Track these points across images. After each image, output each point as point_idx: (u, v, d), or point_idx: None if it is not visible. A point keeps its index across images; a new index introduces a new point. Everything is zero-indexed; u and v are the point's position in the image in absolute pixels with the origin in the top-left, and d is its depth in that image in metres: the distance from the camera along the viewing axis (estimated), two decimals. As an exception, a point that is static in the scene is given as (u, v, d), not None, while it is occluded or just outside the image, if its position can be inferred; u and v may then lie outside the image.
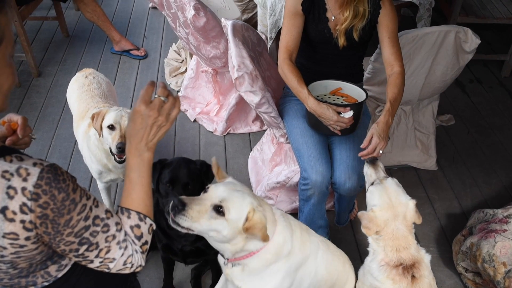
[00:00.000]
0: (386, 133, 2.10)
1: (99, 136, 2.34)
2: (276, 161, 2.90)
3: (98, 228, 1.12)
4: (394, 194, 1.87)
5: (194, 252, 2.17)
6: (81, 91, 2.71)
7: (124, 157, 2.30)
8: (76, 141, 3.28)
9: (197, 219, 1.51)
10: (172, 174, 1.96)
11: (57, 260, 1.20)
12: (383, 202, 1.85)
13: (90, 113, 2.50)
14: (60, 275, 1.22)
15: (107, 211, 1.16)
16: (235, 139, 3.49)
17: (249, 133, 3.55)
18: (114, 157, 2.33)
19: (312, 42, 2.41)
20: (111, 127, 2.28)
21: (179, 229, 1.55)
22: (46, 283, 1.20)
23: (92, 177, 3.03)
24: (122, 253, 1.17)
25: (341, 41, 2.33)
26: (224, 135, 3.51)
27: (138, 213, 1.23)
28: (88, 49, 4.54)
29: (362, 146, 2.10)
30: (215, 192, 1.58)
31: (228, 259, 1.74)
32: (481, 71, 4.31)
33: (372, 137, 2.07)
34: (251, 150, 3.28)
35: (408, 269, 1.80)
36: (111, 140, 2.27)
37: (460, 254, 2.47)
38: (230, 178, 1.72)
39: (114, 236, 1.16)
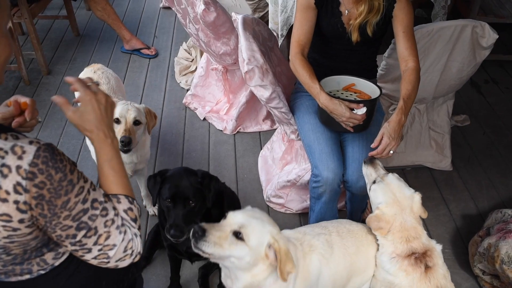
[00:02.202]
0: (398, 133, 2.03)
1: None
2: (287, 159, 2.84)
3: (97, 212, 1.07)
4: (397, 188, 1.88)
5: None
6: (90, 86, 2.68)
7: (130, 147, 2.26)
8: (84, 138, 3.26)
9: (219, 245, 1.52)
10: (172, 190, 1.91)
11: (53, 248, 1.14)
12: (387, 198, 1.85)
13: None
14: (57, 263, 1.17)
15: (104, 195, 1.12)
16: (245, 137, 3.44)
17: (260, 132, 3.49)
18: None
19: (324, 37, 2.35)
20: (117, 121, 2.24)
21: (200, 253, 1.56)
22: (42, 271, 1.15)
23: (99, 173, 2.99)
24: (123, 238, 1.12)
25: (355, 37, 2.27)
26: (234, 134, 3.46)
27: (126, 196, 1.19)
28: (98, 48, 4.53)
29: (372, 145, 2.05)
30: (234, 218, 1.60)
31: None
32: (497, 72, 4.22)
33: (382, 137, 2.01)
34: (261, 149, 3.23)
35: (421, 258, 1.77)
36: (116, 133, 2.23)
37: (477, 256, 2.39)
38: (249, 206, 1.73)
39: (113, 221, 1.11)
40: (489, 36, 2.48)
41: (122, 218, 1.15)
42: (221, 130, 3.48)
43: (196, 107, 3.65)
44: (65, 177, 1.01)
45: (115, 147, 1.18)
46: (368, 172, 1.99)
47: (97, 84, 1.21)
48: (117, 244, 1.11)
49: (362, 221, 2.78)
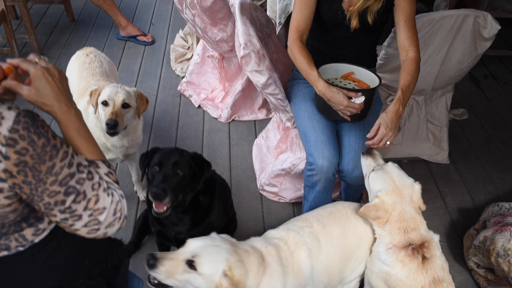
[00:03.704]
0: (396, 123, 1.99)
1: (95, 113, 2.26)
2: (282, 148, 2.81)
3: (84, 175, 1.05)
4: (398, 177, 1.85)
5: None
6: (82, 69, 2.64)
7: (117, 130, 2.21)
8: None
9: (170, 275, 1.54)
10: (161, 156, 1.87)
11: (33, 223, 1.10)
12: (387, 185, 1.82)
13: (89, 90, 2.42)
14: (37, 240, 1.13)
15: (87, 160, 1.09)
16: (240, 126, 3.41)
17: (255, 120, 3.45)
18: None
19: (324, 24, 2.31)
20: (105, 103, 2.20)
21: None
22: (21, 248, 1.11)
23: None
24: (111, 200, 1.10)
25: (354, 23, 2.23)
26: (229, 122, 3.42)
27: (103, 161, 1.17)
28: (93, 34, 4.47)
29: (368, 135, 2.01)
30: (190, 246, 1.61)
31: None
32: (496, 67, 4.21)
33: (379, 127, 1.97)
34: (256, 138, 3.20)
35: (418, 249, 1.74)
36: (104, 115, 2.18)
37: (472, 249, 2.36)
38: (214, 233, 1.73)
39: (99, 184, 1.08)
40: (491, 27, 2.44)
41: (106, 182, 1.12)
42: (216, 118, 3.44)
43: (191, 94, 3.61)
44: (48, 142, 0.98)
45: (79, 117, 1.15)
46: (367, 163, 1.96)
47: (45, 59, 1.16)
48: (107, 206, 1.08)
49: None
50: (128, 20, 4.34)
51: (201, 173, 1.92)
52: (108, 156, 2.45)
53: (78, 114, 1.14)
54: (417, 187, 1.83)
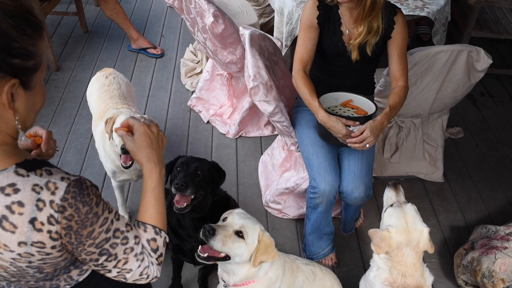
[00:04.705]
0: (379, 132, 2.20)
1: (109, 139, 2.41)
2: (286, 166, 2.97)
3: (118, 240, 1.20)
4: (412, 219, 1.90)
5: None
6: (101, 91, 2.78)
7: (129, 163, 2.39)
8: (92, 136, 3.38)
9: (225, 243, 1.76)
10: (184, 159, 2.12)
11: (79, 265, 1.28)
12: (399, 225, 1.88)
13: (109, 113, 2.57)
14: (81, 279, 1.31)
15: (127, 225, 1.24)
16: (246, 142, 3.56)
17: (261, 137, 3.61)
18: (121, 162, 2.42)
19: (325, 55, 2.47)
20: None
21: (205, 262, 1.83)
22: (68, 286, 1.29)
23: (106, 173, 3.12)
24: (139, 265, 1.25)
25: (354, 55, 2.39)
26: (236, 138, 3.57)
27: (154, 227, 1.30)
28: (106, 45, 4.62)
29: (353, 135, 2.18)
30: (233, 220, 1.85)
31: (227, 284, 1.95)
32: (493, 85, 4.31)
33: (365, 130, 2.16)
34: (262, 154, 3.35)
35: None
36: (118, 141, 2.34)
37: (461, 268, 2.54)
38: (239, 209, 1.98)
39: (132, 249, 1.23)
40: (484, 61, 2.60)
41: (143, 246, 1.28)
42: (224, 134, 3.59)
43: (201, 110, 3.77)
44: (91, 210, 1.13)
45: (161, 177, 1.32)
46: (389, 195, 2.04)
47: (150, 120, 1.37)
48: (133, 269, 1.25)
49: (355, 229, 2.93)
50: (139, 33, 4.49)
51: (218, 178, 2.14)
52: (123, 177, 2.62)
53: (160, 176, 1.32)
54: (425, 232, 1.88)
